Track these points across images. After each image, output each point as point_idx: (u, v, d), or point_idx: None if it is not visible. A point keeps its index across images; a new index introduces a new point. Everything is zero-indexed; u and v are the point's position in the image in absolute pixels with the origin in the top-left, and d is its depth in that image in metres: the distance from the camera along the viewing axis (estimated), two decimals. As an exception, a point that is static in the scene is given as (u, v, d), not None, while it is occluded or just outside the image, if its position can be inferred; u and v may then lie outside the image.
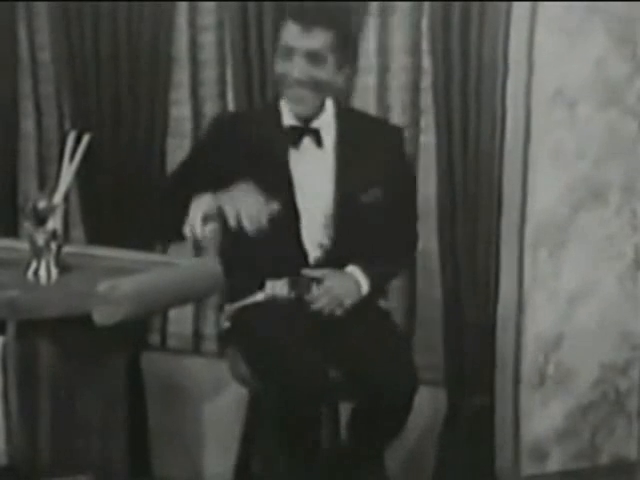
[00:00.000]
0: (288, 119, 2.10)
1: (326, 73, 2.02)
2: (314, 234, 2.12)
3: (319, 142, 2.10)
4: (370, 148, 2.12)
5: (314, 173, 2.11)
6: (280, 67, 2.03)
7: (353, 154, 2.11)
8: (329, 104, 2.13)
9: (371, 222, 2.13)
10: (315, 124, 2.10)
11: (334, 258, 2.12)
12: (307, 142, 2.10)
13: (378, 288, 2.14)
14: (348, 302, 2.06)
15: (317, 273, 2.08)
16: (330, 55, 2.01)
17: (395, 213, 2.17)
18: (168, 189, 2.15)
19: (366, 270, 2.09)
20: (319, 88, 2.03)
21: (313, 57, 1.99)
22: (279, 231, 2.05)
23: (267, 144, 2.08)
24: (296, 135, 2.09)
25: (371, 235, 2.14)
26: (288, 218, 2.07)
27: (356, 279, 2.08)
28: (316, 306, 2.05)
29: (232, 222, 1.81)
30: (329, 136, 2.12)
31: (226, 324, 2.18)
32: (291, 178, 2.09)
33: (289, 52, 2.00)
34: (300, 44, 1.98)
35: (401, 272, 2.31)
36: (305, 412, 1.93)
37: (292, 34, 1.99)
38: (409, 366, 2.03)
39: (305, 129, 2.09)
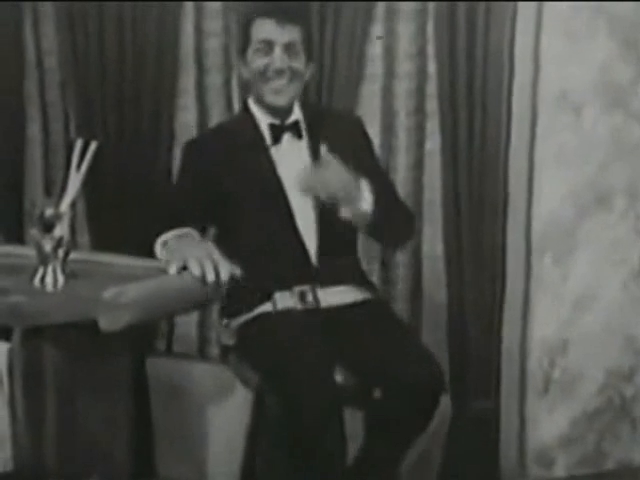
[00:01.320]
0: (266, 119, 2.16)
1: (300, 64, 2.13)
2: (310, 230, 2.12)
3: (299, 134, 2.16)
4: (337, 135, 2.14)
5: (296, 165, 2.11)
6: (259, 62, 2.11)
7: (325, 141, 2.09)
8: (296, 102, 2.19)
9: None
10: (292, 118, 2.17)
11: (334, 251, 2.12)
12: (287, 137, 2.15)
13: (381, 213, 2.05)
14: (341, 197, 1.99)
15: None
16: (301, 50, 2.13)
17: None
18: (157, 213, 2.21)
19: (373, 189, 2.04)
20: (295, 78, 2.12)
21: (290, 48, 2.10)
22: (278, 235, 2.10)
23: (248, 150, 2.13)
24: (277, 132, 2.15)
25: (355, 234, 2.16)
26: (284, 218, 2.11)
27: (359, 184, 2.01)
28: (308, 192, 2.03)
29: (196, 272, 1.81)
30: (303, 129, 2.18)
31: (230, 340, 2.18)
32: (279, 179, 2.12)
33: (269, 45, 2.10)
34: (278, 37, 2.09)
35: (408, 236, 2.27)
36: (320, 421, 1.91)
37: (269, 29, 2.10)
38: (435, 363, 2.02)
39: (284, 126, 2.15)
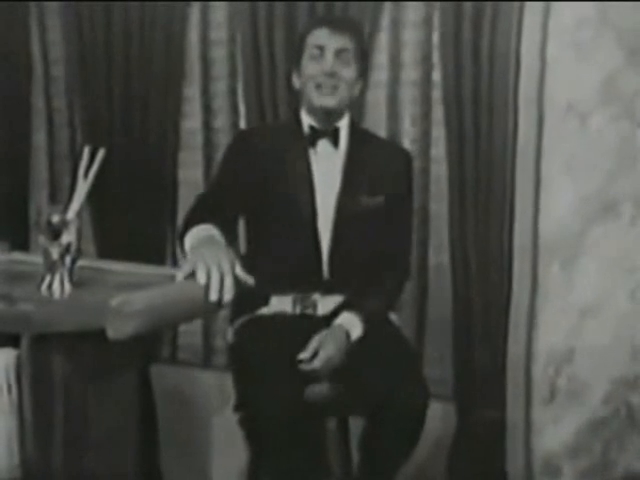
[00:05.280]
0: (309, 121, 2.19)
1: (350, 72, 2.16)
2: (326, 236, 2.15)
3: (336, 143, 2.18)
4: (378, 161, 2.19)
5: (326, 173, 2.16)
6: (311, 68, 2.15)
7: (362, 160, 2.18)
8: (346, 115, 2.21)
9: (368, 230, 2.14)
10: (334, 126, 2.19)
11: (346, 261, 2.13)
12: (323, 144, 2.17)
13: (371, 326, 2.10)
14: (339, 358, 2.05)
15: (313, 346, 2.04)
16: (352, 60, 2.16)
17: (393, 230, 2.19)
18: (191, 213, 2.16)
19: (360, 312, 2.09)
20: (344, 84, 2.15)
21: (341, 55, 2.14)
22: (298, 238, 2.13)
23: (289, 149, 2.16)
24: (314, 136, 2.17)
25: (366, 250, 2.16)
26: (307, 221, 2.13)
27: (347, 330, 2.07)
28: (311, 367, 2.03)
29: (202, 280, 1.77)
30: (343, 140, 2.20)
31: (231, 338, 2.21)
32: (312, 182, 2.15)
33: (320, 50, 2.15)
34: (330, 43, 2.14)
35: (393, 307, 2.26)
36: (282, 431, 1.92)
37: (322, 35, 2.16)
38: (419, 381, 2.02)
39: (323, 131, 2.17)
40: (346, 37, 2.15)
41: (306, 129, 2.18)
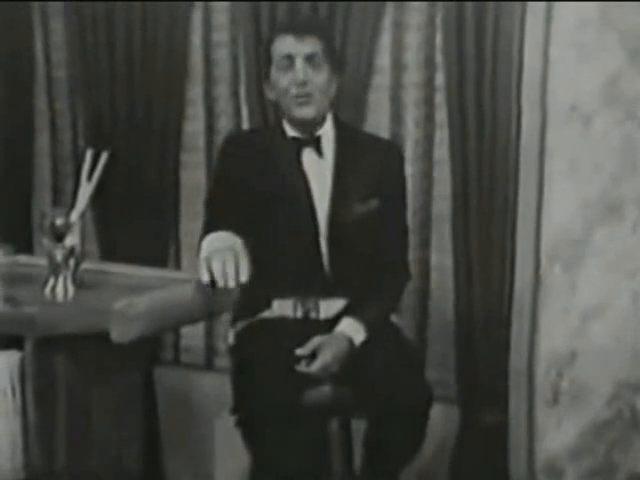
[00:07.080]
0: (291, 132, 2.15)
1: (324, 78, 2.11)
2: (325, 242, 2.14)
3: (320, 152, 2.14)
4: (368, 162, 2.16)
5: (317, 181, 2.14)
6: (282, 79, 2.10)
7: (351, 165, 2.15)
8: (328, 118, 2.17)
9: (365, 234, 2.13)
10: (316, 134, 2.15)
11: (348, 265, 2.12)
12: (308, 153, 2.14)
13: (374, 330, 2.09)
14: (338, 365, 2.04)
15: (311, 345, 2.04)
16: (324, 62, 2.11)
17: (389, 231, 2.18)
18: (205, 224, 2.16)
19: (361, 317, 2.08)
20: (319, 91, 2.11)
21: (311, 60, 2.09)
22: (299, 244, 2.11)
23: (280, 158, 2.14)
24: (297, 146, 2.14)
25: (365, 253, 2.15)
26: (308, 229, 2.12)
27: (348, 336, 2.06)
28: (306, 371, 2.02)
29: (204, 278, 1.83)
30: (329, 147, 2.16)
31: (232, 341, 2.20)
32: (308, 184, 2.13)
33: (289, 59, 2.09)
34: (298, 50, 2.09)
35: (394, 309, 2.24)
36: (279, 435, 1.93)
37: (288, 44, 2.09)
38: (422, 381, 2.03)
39: (306, 140, 2.14)
40: (314, 40, 2.09)
41: (289, 138, 2.14)
